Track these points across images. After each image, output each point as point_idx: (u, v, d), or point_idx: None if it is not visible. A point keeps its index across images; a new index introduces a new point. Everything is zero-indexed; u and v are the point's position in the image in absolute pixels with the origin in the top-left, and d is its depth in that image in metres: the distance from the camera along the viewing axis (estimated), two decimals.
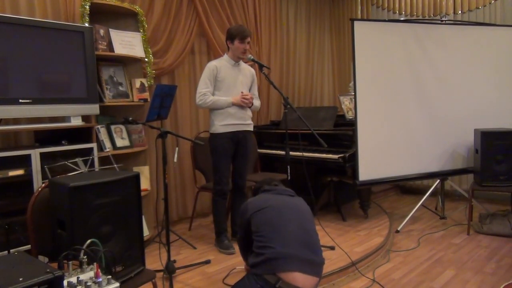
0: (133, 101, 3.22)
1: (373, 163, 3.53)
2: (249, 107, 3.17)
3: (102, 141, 2.93)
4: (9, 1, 2.75)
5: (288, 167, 2.99)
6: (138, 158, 3.32)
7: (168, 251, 2.52)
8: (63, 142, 2.65)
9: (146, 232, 3.16)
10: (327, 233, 3.25)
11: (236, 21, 4.30)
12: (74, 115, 2.72)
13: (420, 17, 4.92)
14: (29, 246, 1.78)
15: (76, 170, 2.44)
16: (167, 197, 2.57)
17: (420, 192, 4.81)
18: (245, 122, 3.15)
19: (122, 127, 3.17)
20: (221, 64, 3.08)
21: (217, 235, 3.17)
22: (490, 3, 4.47)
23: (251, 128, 3.23)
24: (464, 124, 3.78)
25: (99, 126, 2.95)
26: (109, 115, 3.19)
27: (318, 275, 1.86)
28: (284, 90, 5.05)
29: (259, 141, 4.37)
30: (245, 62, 3.28)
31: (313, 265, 1.84)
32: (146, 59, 3.33)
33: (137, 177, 1.85)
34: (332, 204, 4.21)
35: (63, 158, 2.53)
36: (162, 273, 2.58)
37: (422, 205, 3.82)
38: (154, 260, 2.90)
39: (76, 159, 2.51)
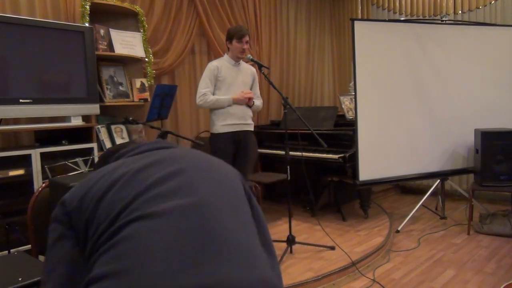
0: (133, 101, 3.22)
1: (373, 163, 3.53)
2: (250, 106, 3.17)
3: (102, 141, 2.93)
4: (9, 1, 2.75)
5: (288, 167, 2.99)
6: None
7: None
8: (63, 142, 2.65)
9: None
10: (327, 233, 3.25)
11: (236, 21, 4.30)
12: (74, 115, 2.72)
13: (420, 17, 4.92)
14: (29, 246, 1.78)
15: (76, 170, 2.44)
16: None
17: (420, 192, 4.81)
18: (245, 122, 3.14)
19: (122, 127, 3.17)
20: (222, 63, 3.08)
21: None
22: (490, 3, 4.47)
23: (251, 128, 3.22)
24: (464, 124, 3.78)
25: (99, 126, 2.95)
26: (109, 115, 3.19)
27: None
28: (284, 90, 5.05)
29: (259, 141, 4.36)
30: (246, 62, 3.29)
31: None
32: (146, 59, 3.33)
33: None
34: (332, 204, 4.21)
35: (63, 158, 2.53)
36: None
37: (422, 205, 3.82)
38: None
39: (76, 159, 2.51)
